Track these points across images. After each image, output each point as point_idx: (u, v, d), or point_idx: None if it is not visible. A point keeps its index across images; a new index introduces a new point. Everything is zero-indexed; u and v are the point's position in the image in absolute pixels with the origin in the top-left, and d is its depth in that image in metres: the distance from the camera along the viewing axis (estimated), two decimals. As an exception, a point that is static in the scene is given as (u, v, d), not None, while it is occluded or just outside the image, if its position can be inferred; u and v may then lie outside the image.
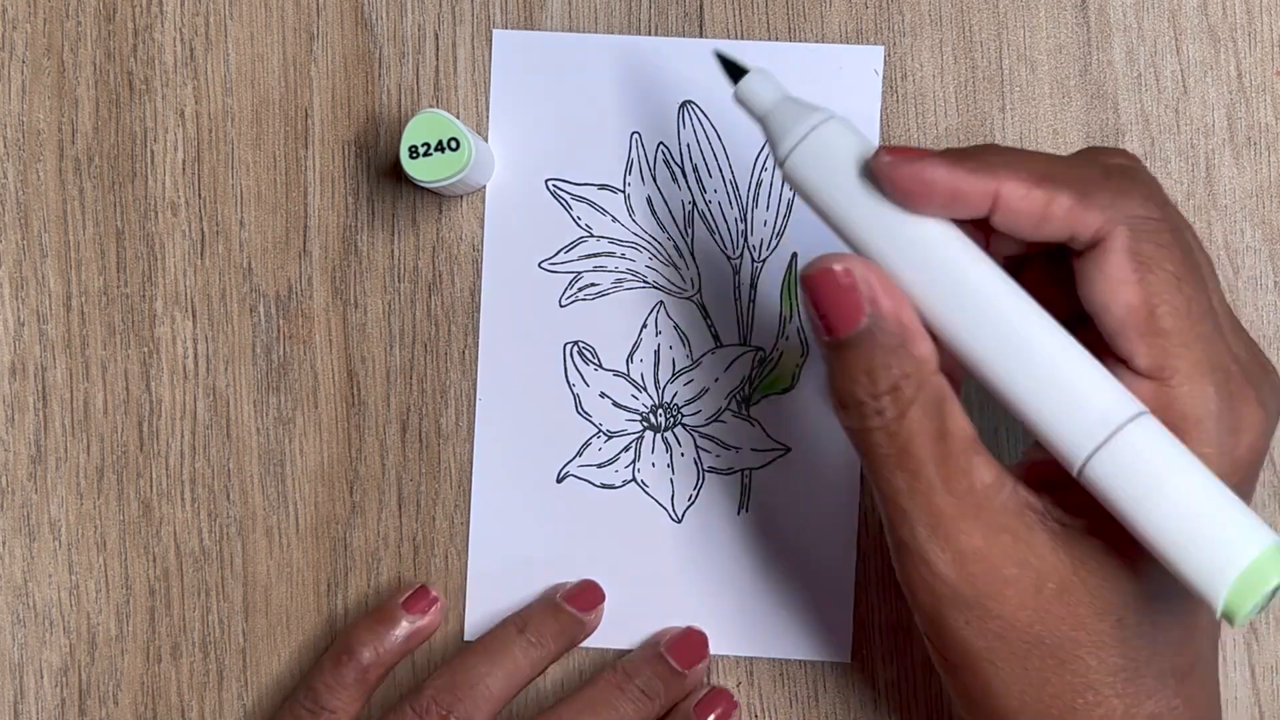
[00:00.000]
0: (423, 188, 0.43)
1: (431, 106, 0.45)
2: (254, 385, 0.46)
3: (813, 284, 0.33)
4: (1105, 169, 0.35)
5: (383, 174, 0.46)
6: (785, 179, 0.35)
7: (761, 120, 0.36)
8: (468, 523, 0.46)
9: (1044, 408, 0.32)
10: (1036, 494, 0.34)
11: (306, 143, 0.46)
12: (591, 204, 0.46)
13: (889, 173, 0.33)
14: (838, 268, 0.33)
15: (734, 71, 0.36)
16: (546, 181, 0.46)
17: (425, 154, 0.42)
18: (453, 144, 0.42)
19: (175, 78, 0.46)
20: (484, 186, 0.46)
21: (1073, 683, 0.34)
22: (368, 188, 0.46)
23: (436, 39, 0.46)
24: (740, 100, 0.36)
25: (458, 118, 0.46)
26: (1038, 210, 0.33)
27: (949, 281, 0.33)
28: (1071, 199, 0.33)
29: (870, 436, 0.34)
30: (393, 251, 0.46)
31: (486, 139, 0.46)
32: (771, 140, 0.35)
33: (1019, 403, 0.33)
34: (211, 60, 0.46)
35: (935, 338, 0.34)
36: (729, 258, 0.45)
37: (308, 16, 0.46)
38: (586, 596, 0.45)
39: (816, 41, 0.45)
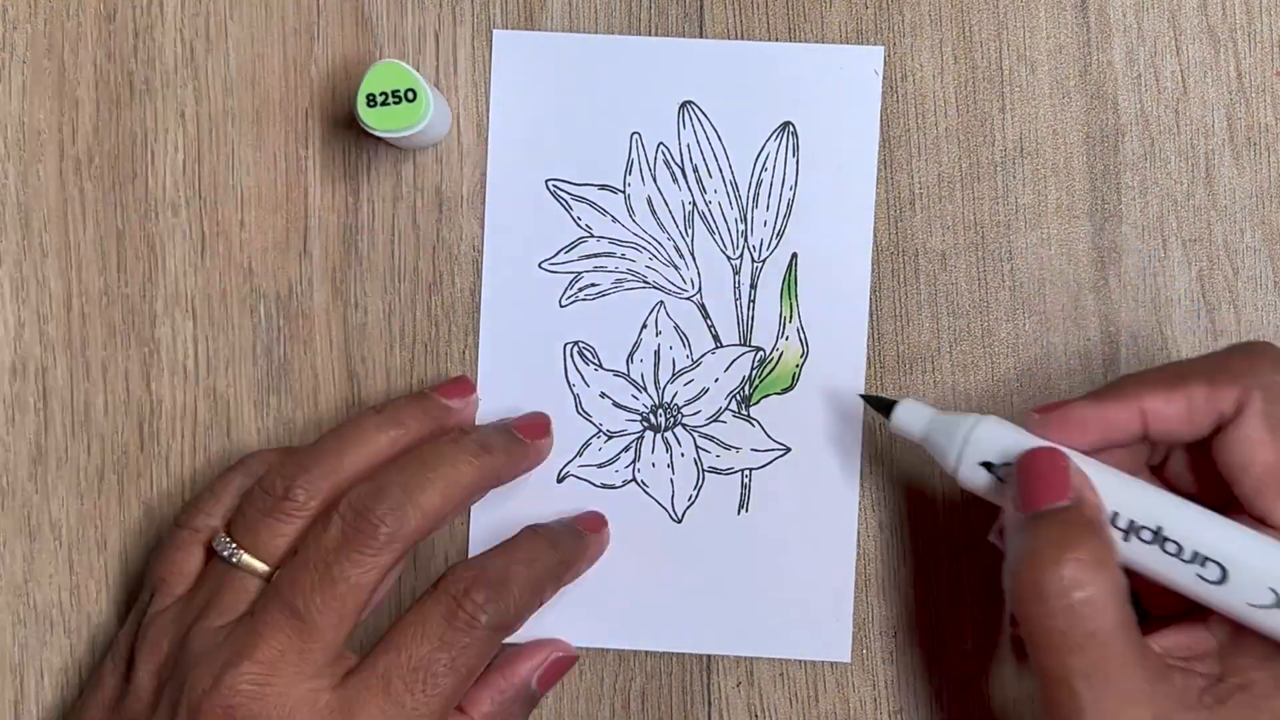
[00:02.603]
0: (379, 139, 0.42)
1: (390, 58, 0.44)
2: (254, 385, 0.46)
3: (1028, 458, 0.37)
4: (1229, 350, 0.38)
5: (383, 175, 0.46)
6: (961, 486, 0.39)
7: (922, 442, 0.40)
8: (468, 522, 0.46)
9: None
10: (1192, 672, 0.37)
11: (306, 143, 0.46)
12: (591, 204, 0.46)
13: (1045, 424, 0.38)
14: (1052, 450, 0.37)
15: (883, 406, 0.41)
16: (546, 181, 0.46)
17: (383, 104, 0.41)
18: (410, 94, 0.41)
19: (175, 78, 0.46)
20: (439, 143, 0.45)
21: None
22: (368, 188, 0.46)
23: (436, 39, 0.46)
24: (897, 430, 0.40)
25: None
26: (1182, 411, 0.37)
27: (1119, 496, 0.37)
28: (1203, 386, 0.36)
29: (1052, 619, 0.34)
30: (393, 251, 0.46)
31: (487, 139, 0.46)
32: (937, 457, 0.40)
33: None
34: (212, 60, 0.46)
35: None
36: (729, 258, 0.46)
37: (308, 16, 0.46)
38: (533, 425, 0.44)
39: (816, 41, 0.45)
